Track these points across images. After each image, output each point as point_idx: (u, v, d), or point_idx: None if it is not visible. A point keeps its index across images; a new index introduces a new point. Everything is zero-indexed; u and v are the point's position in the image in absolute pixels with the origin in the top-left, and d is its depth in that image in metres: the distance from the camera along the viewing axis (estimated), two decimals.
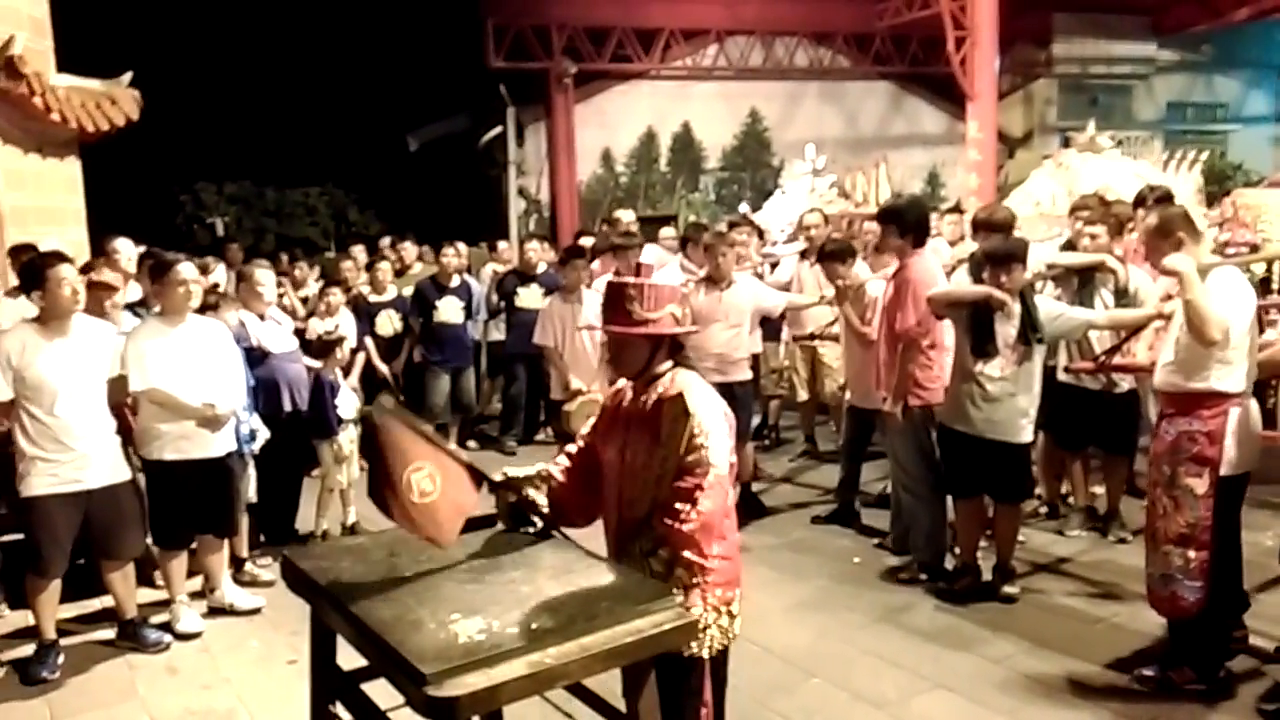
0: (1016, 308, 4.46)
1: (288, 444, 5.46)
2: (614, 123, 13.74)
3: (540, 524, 2.72)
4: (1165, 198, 5.44)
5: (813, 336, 6.88)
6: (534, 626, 2.07)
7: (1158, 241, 3.75)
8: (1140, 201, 5.49)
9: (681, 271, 6.62)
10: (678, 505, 2.47)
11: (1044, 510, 5.78)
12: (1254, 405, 3.71)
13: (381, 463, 2.42)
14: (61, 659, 4.26)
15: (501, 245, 8.87)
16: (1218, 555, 3.66)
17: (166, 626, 4.58)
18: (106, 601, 4.60)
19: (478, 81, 13.04)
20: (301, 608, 2.53)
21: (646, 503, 2.55)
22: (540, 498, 2.73)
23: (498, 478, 2.70)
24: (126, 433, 4.48)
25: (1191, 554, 3.67)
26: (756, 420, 7.69)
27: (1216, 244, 6.33)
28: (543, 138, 13.40)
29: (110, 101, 7.23)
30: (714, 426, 2.52)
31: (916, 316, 4.78)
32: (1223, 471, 3.62)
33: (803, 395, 7.21)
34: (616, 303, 2.65)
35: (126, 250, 6.03)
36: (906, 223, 4.93)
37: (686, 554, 2.47)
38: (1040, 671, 3.95)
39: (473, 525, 2.74)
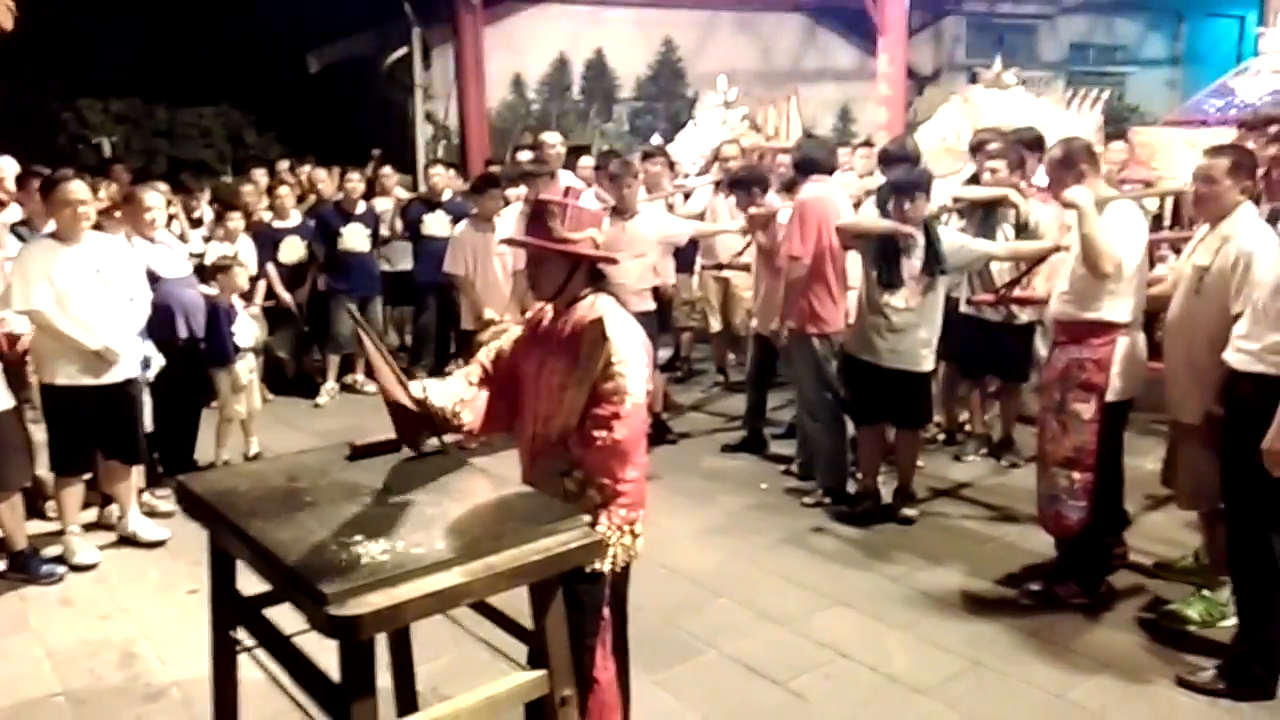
0: (921, 240, 4.55)
1: (185, 373, 5.27)
2: (525, 47, 13.37)
3: (441, 442, 2.68)
4: (1034, 142, 5.61)
5: (721, 266, 6.91)
6: (439, 546, 2.06)
7: (1060, 173, 3.86)
8: (978, 147, 5.60)
9: (596, 201, 6.55)
10: (594, 432, 2.48)
11: (942, 437, 5.97)
12: (1141, 336, 3.87)
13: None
14: None
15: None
16: (1101, 477, 3.85)
17: (60, 559, 4.44)
18: None
19: None
20: (202, 538, 2.46)
21: (561, 421, 2.56)
22: (465, 414, 2.69)
23: (418, 394, 2.61)
24: (5, 362, 4.27)
25: (1077, 475, 3.84)
26: (669, 352, 7.74)
27: (1112, 180, 6.53)
28: (451, 61, 12.95)
29: None
30: (632, 354, 2.53)
31: (798, 243, 4.92)
32: (1109, 398, 3.78)
33: (715, 326, 7.26)
34: (539, 218, 2.64)
35: (8, 168, 5.68)
36: (794, 158, 5.28)
37: (600, 478, 2.52)
38: (936, 587, 4.12)
39: (378, 450, 2.70)
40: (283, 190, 7.60)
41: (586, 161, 8.02)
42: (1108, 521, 4.01)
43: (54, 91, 13.11)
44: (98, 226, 4.83)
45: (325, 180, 8.50)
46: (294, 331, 7.53)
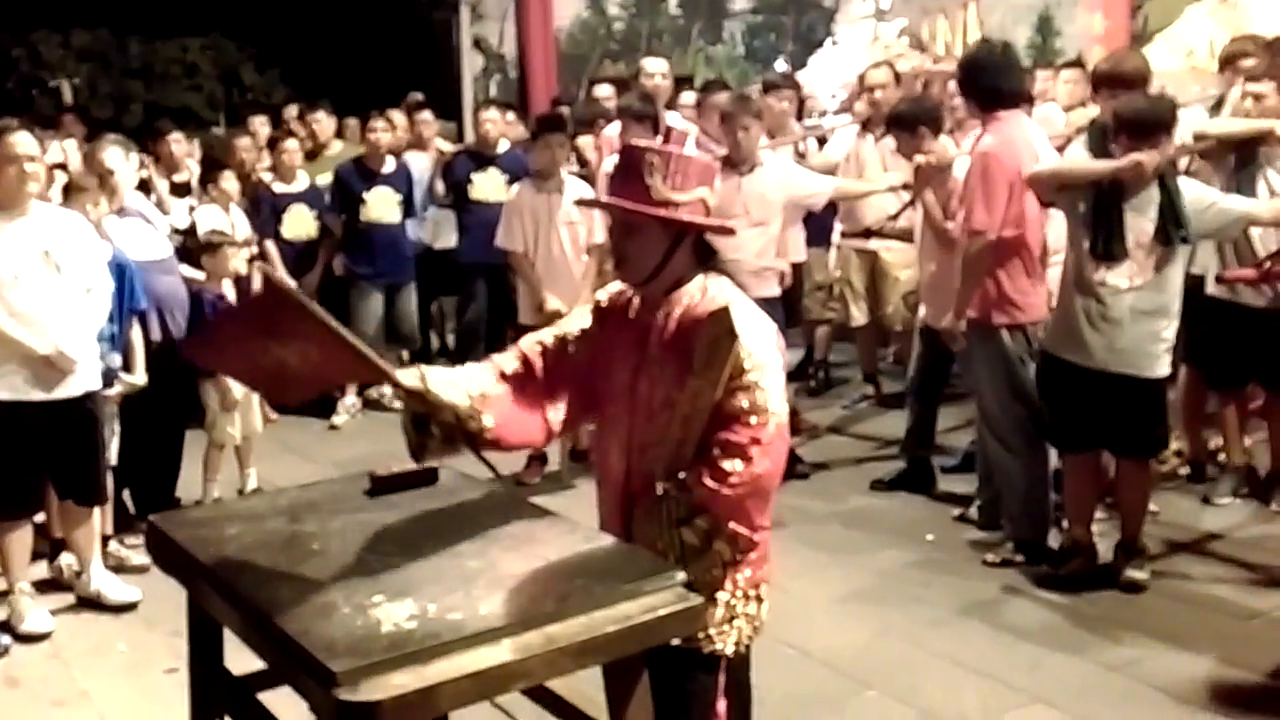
0: (1154, 194, 4.44)
1: (162, 385, 5.45)
2: None
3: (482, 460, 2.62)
4: None
5: (870, 233, 6.84)
6: (484, 611, 2.08)
7: None
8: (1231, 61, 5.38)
9: (698, 149, 6.57)
10: (726, 464, 2.48)
11: (1185, 470, 5.81)
12: None
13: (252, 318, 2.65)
14: None
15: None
16: None
17: (4, 625, 4.63)
18: None
19: None
20: (183, 599, 2.54)
21: (668, 450, 2.55)
22: (484, 419, 2.52)
23: (411, 382, 2.47)
24: None
25: None
26: (798, 354, 7.70)
27: None
28: None
29: None
30: (770, 358, 2.54)
31: (983, 213, 4.79)
32: None
33: (859, 317, 7.20)
34: (631, 172, 2.61)
35: None
36: (971, 78, 5.02)
37: (733, 525, 2.53)
38: (1174, 681, 3.99)
39: (407, 483, 2.76)
40: (289, 145, 7.81)
41: (688, 98, 8.04)
42: None
43: (2, 23, 13.74)
44: (67, 200, 5.05)
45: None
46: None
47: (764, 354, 2.52)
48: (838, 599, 4.73)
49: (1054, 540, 4.96)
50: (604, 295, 2.86)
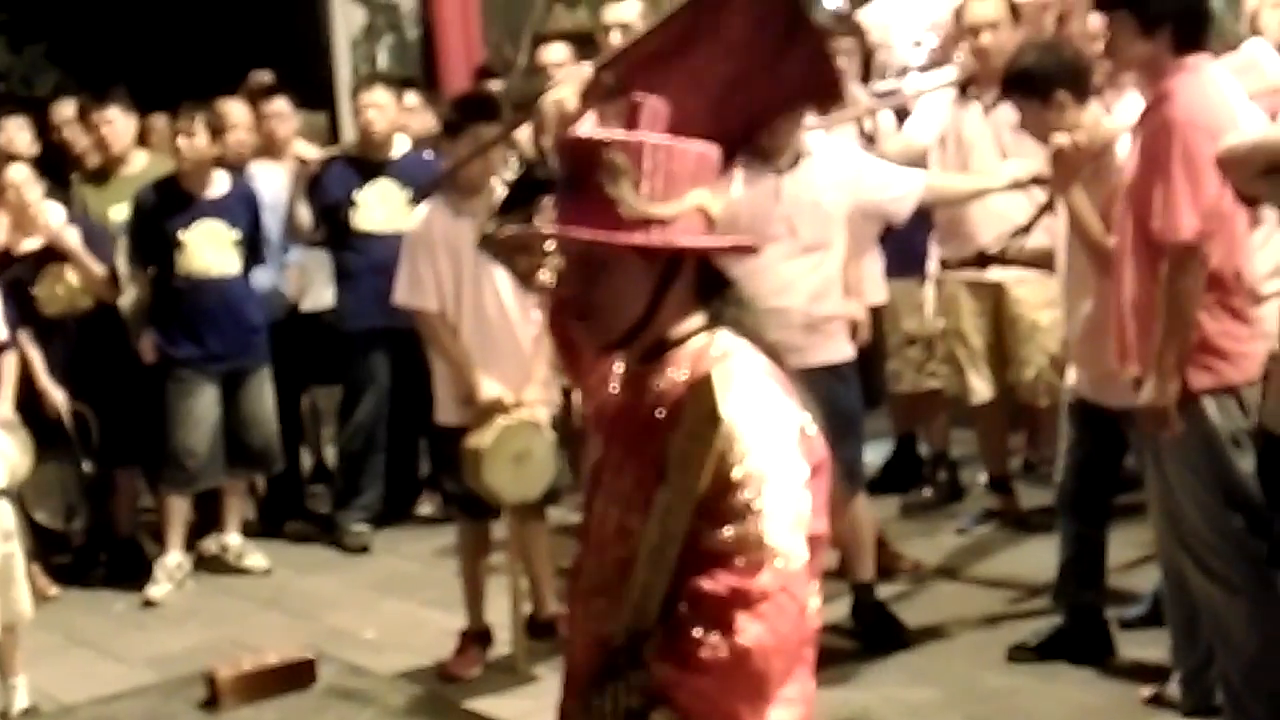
0: None
1: None
2: None
3: None
4: None
5: (986, 260, 6.87)
6: None
7: None
8: None
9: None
10: (696, 629, 2.41)
11: None
12: None
13: None
14: None
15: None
16: None
17: None
18: None
19: None
20: None
21: (630, 603, 2.50)
22: None
23: None
24: None
25: None
26: (884, 452, 7.74)
27: None
28: None
29: None
30: (777, 465, 2.46)
31: (1188, 210, 4.83)
32: None
33: (980, 390, 7.24)
34: (585, 180, 2.57)
35: None
36: (1142, 4, 4.95)
37: None
38: None
39: (268, 688, 2.80)
40: (12, 174, 7.47)
41: None
42: None
43: None
44: None
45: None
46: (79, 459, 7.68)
47: (767, 456, 2.44)
48: None
49: None
50: (585, 378, 2.92)
